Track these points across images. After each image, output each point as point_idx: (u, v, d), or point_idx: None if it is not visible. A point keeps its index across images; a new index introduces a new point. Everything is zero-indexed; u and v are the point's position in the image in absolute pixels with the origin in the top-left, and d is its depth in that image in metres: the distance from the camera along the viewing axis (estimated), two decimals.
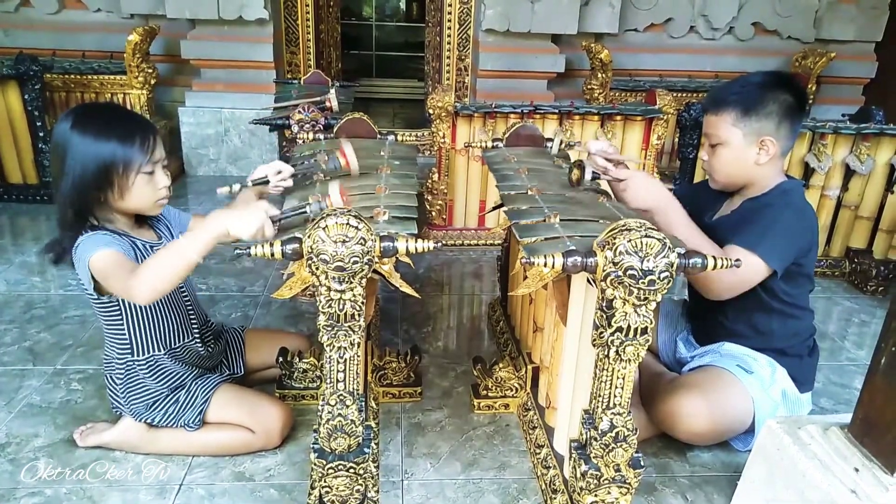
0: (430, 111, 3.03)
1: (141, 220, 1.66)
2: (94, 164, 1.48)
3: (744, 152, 1.69)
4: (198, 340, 1.76)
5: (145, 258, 1.56)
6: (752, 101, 1.66)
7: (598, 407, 1.33)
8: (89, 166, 1.48)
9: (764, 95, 1.66)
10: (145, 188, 1.54)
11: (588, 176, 1.63)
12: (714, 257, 1.22)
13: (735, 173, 1.74)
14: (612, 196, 1.68)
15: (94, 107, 1.70)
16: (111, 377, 1.70)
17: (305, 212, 1.39)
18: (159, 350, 1.67)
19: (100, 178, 1.49)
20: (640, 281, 1.17)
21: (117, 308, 1.61)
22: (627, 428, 1.34)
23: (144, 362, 1.66)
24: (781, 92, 1.67)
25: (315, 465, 1.40)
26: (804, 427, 1.41)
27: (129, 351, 1.65)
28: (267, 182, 1.62)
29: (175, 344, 1.70)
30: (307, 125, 2.29)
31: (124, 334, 1.64)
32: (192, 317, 1.76)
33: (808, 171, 2.87)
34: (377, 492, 1.58)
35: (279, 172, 1.61)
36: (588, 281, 1.36)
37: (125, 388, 1.67)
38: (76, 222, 1.53)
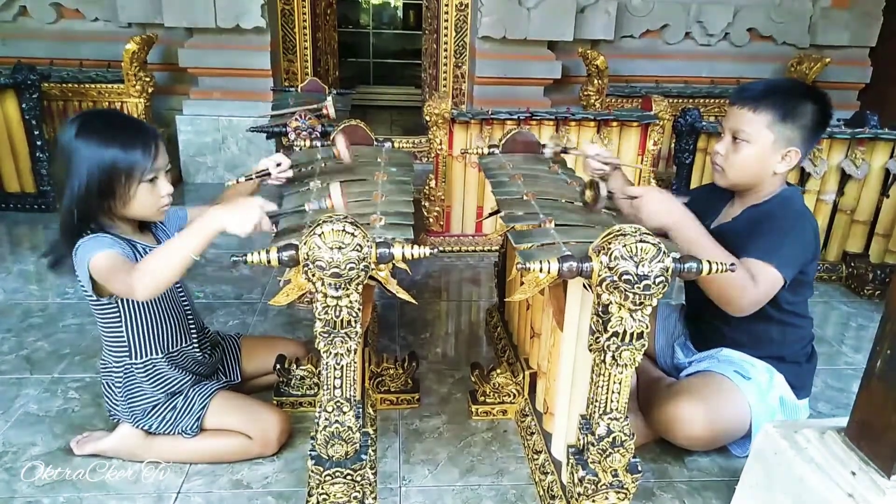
0: (427, 118, 3.04)
1: (143, 225, 1.67)
2: (97, 172, 1.49)
3: (768, 157, 1.67)
4: (195, 346, 1.77)
5: None
6: (790, 108, 1.63)
7: (595, 412, 1.34)
8: (93, 174, 1.48)
9: (804, 106, 1.64)
10: (148, 196, 1.55)
11: (603, 193, 1.52)
12: (709, 262, 1.22)
13: (750, 174, 1.71)
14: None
15: (99, 114, 1.71)
16: (109, 383, 1.69)
17: (304, 208, 1.40)
18: (157, 354, 1.67)
19: (102, 186, 1.50)
20: (636, 285, 1.17)
21: (116, 310, 1.61)
22: (624, 433, 1.34)
23: (142, 366, 1.66)
24: (815, 106, 1.65)
25: (312, 472, 1.40)
26: (801, 431, 1.41)
27: (127, 354, 1.65)
28: (269, 174, 1.71)
29: (173, 348, 1.70)
30: (304, 133, 2.30)
31: (122, 337, 1.64)
32: (190, 321, 1.76)
33: (804, 176, 2.89)
34: (375, 499, 1.58)
35: (279, 165, 1.72)
36: (584, 286, 1.37)
37: (124, 393, 1.67)
38: (78, 228, 1.53)
